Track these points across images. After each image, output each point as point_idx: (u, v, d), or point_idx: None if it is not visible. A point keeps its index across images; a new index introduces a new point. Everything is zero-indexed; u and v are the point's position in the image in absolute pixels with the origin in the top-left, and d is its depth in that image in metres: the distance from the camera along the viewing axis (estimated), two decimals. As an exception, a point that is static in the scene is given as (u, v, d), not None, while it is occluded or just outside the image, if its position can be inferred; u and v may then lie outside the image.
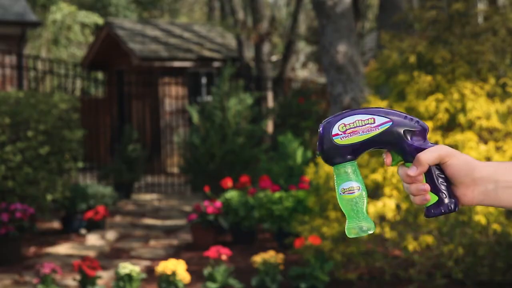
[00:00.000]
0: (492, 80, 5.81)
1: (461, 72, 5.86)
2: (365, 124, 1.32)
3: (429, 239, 5.55)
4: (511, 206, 1.32)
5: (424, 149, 1.31)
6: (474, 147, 5.44)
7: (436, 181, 1.32)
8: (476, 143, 5.50)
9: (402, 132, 1.32)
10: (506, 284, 5.90)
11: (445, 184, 1.32)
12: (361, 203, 1.33)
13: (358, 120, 1.32)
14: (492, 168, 1.31)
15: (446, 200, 1.32)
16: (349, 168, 1.33)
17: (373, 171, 5.79)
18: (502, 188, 1.31)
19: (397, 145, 1.33)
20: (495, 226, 5.36)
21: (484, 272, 5.84)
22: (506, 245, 5.77)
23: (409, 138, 1.32)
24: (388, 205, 5.47)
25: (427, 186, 1.31)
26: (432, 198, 1.33)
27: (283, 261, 6.40)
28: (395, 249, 6.48)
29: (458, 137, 5.50)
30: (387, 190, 5.58)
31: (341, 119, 1.33)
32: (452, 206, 1.33)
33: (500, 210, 5.34)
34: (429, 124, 5.66)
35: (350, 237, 1.35)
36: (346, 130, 1.32)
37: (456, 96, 5.65)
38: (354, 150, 1.33)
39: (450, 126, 5.81)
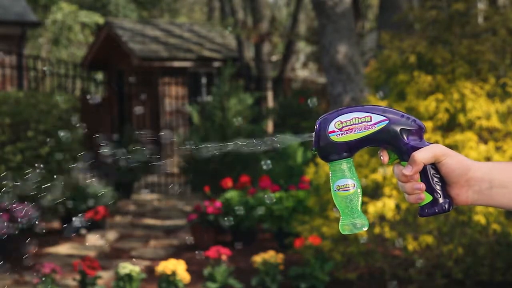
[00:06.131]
0: (492, 80, 5.81)
1: (461, 72, 5.86)
2: (362, 122, 1.32)
3: (429, 239, 5.55)
4: (504, 205, 1.32)
5: (420, 148, 1.31)
6: (474, 147, 5.44)
7: (431, 180, 1.32)
8: (476, 143, 5.50)
9: (398, 130, 1.32)
10: (506, 284, 5.90)
11: (440, 184, 1.32)
12: (356, 200, 1.33)
13: (355, 118, 1.32)
14: (487, 168, 1.31)
15: (441, 200, 1.32)
16: (344, 165, 1.33)
17: (373, 171, 5.79)
18: (496, 188, 1.31)
19: (393, 144, 1.33)
20: (495, 226, 5.36)
21: (484, 272, 5.84)
22: (506, 245, 5.77)
23: (405, 137, 1.32)
24: (388, 205, 5.47)
25: (423, 185, 1.31)
26: (427, 198, 1.33)
27: (283, 261, 6.40)
28: (395, 249, 6.48)
29: (458, 137, 5.50)
30: (387, 190, 5.58)
31: (338, 116, 1.33)
32: (446, 206, 1.33)
33: (500, 210, 5.34)
34: (429, 124, 5.66)
35: (344, 233, 1.36)
36: (343, 127, 1.32)
37: (456, 96, 5.65)
38: (350, 148, 1.33)
39: (450, 126, 5.80)
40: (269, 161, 8.54)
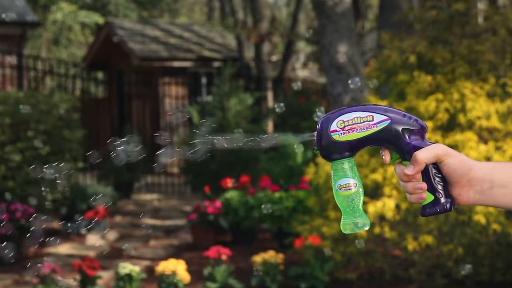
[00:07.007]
0: (492, 80, 5.81)
1: (461, 72, 5.86)
2: (364, 121, 1.32)
3: (429, 239, 5.55)
4: (506, 205, 1.32)
5: (422, 147, 1.31)
6: (474, 147, 5.44)
7: (432, 180, 1.32)
8: (476, 143, 5.50)
9: (400, 130, 1.32)
10: (506, 284, 5.90)
11: (441, 183, 1.32)
12: (358, 200, 1.33)
13: (357, 117, 1.32)
14: (488, 168, 1.32)
15: (442, 200, 1.33)
16: (346, 164, 1.33)
17: (373, 171, 5.79)
18: (497, 188, 1.31)
19: (395, 143, 1.33)
20: (495, 226, 5.36)
21: (484, 272, 5.84)
22: (506, 245, 5.77)
23: (407, 136, 1.32)
24: (387, 205, 5.47)
25: (424, 185, 1.32)
26: (428, 197, 1.33)
27: (283, 261, 6.40)
28: (395, 249, 6.48)
29: (458, 137, 5.50)
30: (387, 190, 5.58)
31: (340, 115, 1.33)
32: (448, 206, 1.33)
33: (500, 210, 5.34)
34: (429, 124, 5.66)
35: (345, 232, 1.36)
36: (345, 126, 1.32)
37: (456, 96, 5.65)
38: (352, 147, 1.33)
39: (450, 126, 5.80)
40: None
